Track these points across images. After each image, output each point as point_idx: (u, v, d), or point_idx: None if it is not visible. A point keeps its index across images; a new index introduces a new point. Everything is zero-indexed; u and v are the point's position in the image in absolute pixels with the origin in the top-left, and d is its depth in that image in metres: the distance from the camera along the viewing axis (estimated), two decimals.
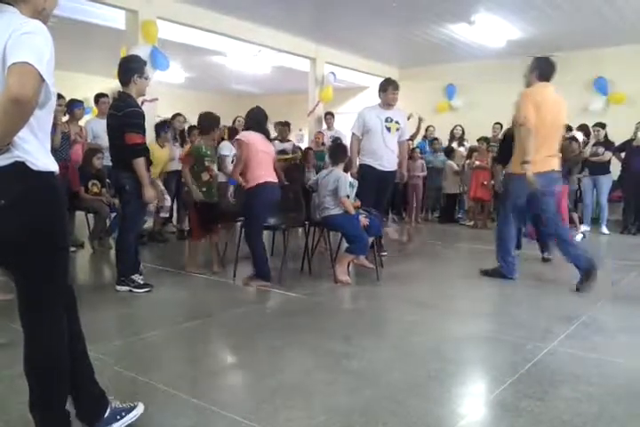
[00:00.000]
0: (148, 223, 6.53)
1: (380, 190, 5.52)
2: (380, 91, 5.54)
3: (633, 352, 3.03)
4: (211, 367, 2.79)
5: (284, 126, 8.43)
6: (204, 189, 4.81)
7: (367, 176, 5.43)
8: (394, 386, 2.52)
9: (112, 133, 4.19)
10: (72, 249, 5.95)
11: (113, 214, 6.24)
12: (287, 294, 4.27)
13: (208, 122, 4.95)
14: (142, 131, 4.09)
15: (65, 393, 1.89)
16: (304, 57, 9.96)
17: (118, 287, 4.23)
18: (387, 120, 5.44)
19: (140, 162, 4.03)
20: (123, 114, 3.99)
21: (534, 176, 4.28)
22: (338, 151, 4.93)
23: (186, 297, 4.26)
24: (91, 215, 6.27)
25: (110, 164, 6.23)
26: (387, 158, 5.49)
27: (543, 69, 4.62)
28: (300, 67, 10.55)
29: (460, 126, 9.56)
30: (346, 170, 5.08)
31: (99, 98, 6.58)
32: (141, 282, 4.27)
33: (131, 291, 4.20)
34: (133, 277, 4.27)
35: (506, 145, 5.21)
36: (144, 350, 3.03)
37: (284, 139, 8.34)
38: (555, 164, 4.51)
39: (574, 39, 9.07)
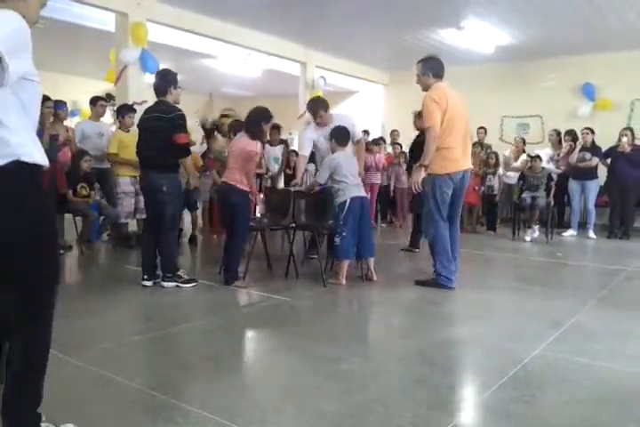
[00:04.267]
0: (132, 227, 6.51)
1: None
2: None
3: (620, 356, 3.05)
4: (198, 372, 2.77)
5: (273, 129, 8.24)
6: None
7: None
8: (382, 390, 2.52)
9: (155, 135, 4.39)
10: (60, 252, 5.91)
11: (101, 218, 6.23)
12: (275, 297, 4.26)
13: (234, 128, 5.24)
14: (187, 132, 4.53)
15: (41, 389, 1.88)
16: (294, 61, 9.97)
17: (165, 284, 4.49)
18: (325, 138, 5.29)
19: (189, 159, 4.61)
20: (172, 116, 4.34)
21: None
22: (346, 134, 4.91)
23: (174, 301, 4.23)
24: (79, 218, 6.23)
25: (100, 166, 6.33)
26: None
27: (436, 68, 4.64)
28: (291, 70, 10.57)
29: None
30: None
31: (97, 101, 6.51)
32: (186, 277, 4.57)
33: (178, 286, 4.48)
34: (179, 273, 4.56)
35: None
36: (130, 355, 3.01)
37: (273, 142, 8.17)
38: None
39: (562, 45, 9.16)
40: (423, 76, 4.62)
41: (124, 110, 6.20)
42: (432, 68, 4.62)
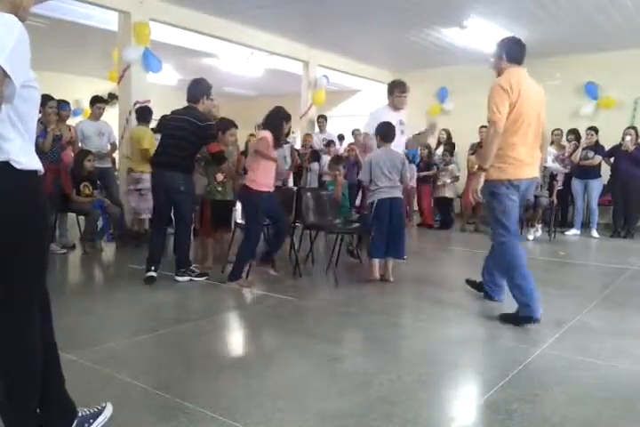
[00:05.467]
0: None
1: None
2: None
3: (622, 356, 3.05)
4: (202, 371, 2.77)
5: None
6: (220, 189, 5.09)
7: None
8: (385, 389, 2.53)
9: (183, 138, 4.52)
10: (63, 251, 5.93)
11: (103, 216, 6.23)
12: (278, 296, 4.26)
13: (221, 126, 5.10)
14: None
15: (36, 397, 1.86)
16: (297, 60, 9.96)
17: (179, 278, 4.64)
18: (400, 123, 5.27)
19: (227, 165, 4.91)
20: (205, 125, 4.52)
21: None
22: (392, 130, 4.89)
23: (178, 300, 4.25)
24: (82, 217, 6.24)
25: (101, 166, 6.36)
26: None
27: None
28: (293, 70, 10.57)
29: (445, 131, 9.51)
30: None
31: (95, 102, 6.55)
32: (199, 271, 4.73)
33: (191, 280, 4.63)
34: (192, 267, 4.72)
35: None
36: (134, 354, 3.01)
37: (282, 141, 8.18)
38: None
39: (565, 44, 9.14)
40: (496, 59, 3.86)
41: (150, 113, 6.52)
42: (508, 49, 3.82)
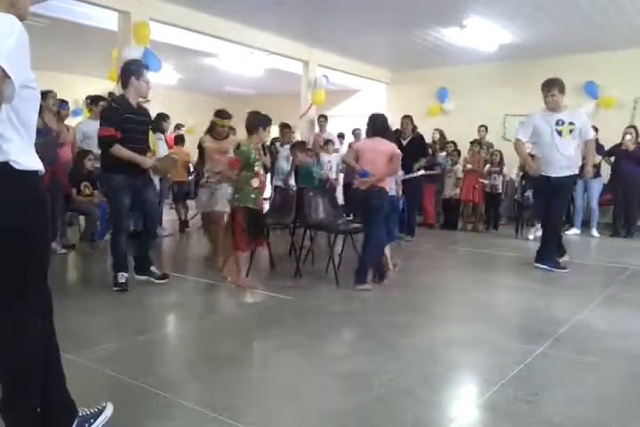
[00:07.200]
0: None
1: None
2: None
3: (624, 355, 3.05)
4: (202, 371, 2.78)
5: (284, 129, 8.10)
6: (253, 196, 4.46)
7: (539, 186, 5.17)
8: (385, 389, 2.52)
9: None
10: (64, 251, 5.93)
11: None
12: (278, 296, 4.26)
13: (255, 121, 4.61)
14: (112, 125, 4.12)
15: (36, 397, 1.85)
16: (296, 59, 9.96)
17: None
18: (557, 123, 5.16)
19: (115, 150, 4.13)
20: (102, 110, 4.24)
21: None
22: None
23: (179, 300, 4.24)
24: (82, 217, 6.25)
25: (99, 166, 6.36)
26: (559, 165, 5.26)
27: None
28: (293, 69, 10.57)
29: (438, 131, 9.48)
30: None
31: (98, 100, 6.52)
32: (121, 280, 4.29)
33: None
34: (119, 274, 4.32)
35: None
36: (136, 354, 3.01)
37: (285, 141, 8.16)
38: None
39: (564, 44, 9.14)
40: None
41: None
42: None
